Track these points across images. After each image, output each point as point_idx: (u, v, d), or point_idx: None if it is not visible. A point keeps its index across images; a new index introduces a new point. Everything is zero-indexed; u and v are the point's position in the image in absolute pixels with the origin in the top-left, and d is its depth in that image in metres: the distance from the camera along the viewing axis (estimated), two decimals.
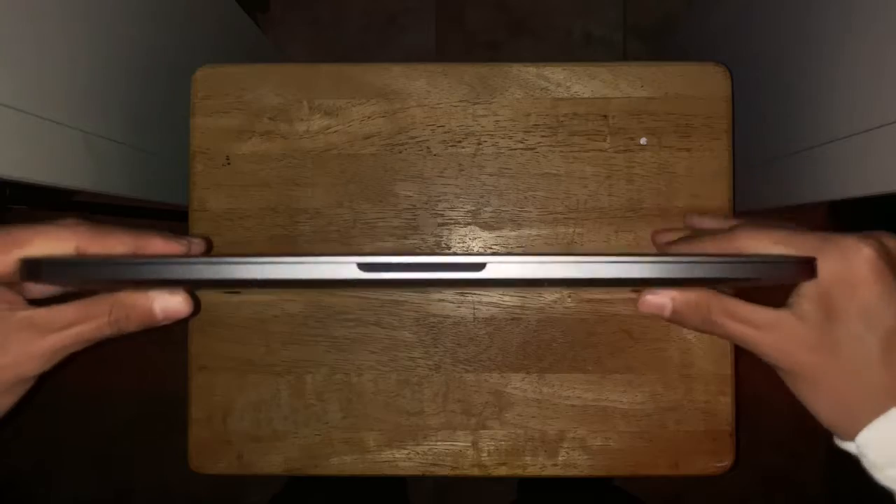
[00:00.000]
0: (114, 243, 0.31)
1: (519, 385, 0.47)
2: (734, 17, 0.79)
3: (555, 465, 0.47)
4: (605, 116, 0.47)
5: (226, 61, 0.49)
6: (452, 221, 0.48)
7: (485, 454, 0.47)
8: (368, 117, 0.48)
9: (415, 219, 0.48)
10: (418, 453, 0.47)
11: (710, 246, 0.31)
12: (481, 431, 0.47)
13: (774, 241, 0.29)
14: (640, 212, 0.47)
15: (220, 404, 0.48)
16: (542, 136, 0.48)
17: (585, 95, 0.48)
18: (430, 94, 0.48)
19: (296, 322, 0.48)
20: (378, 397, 0.47)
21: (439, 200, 0.48)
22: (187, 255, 0.30)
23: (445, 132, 0.48)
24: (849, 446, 0.29)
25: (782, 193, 0.63)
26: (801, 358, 0.28)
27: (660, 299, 0.30)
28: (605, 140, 0.47)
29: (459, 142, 0.48)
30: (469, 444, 0.47)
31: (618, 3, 1.25)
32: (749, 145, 0.67)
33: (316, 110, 0.48)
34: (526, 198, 0.48)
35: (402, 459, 0.47)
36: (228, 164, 0.48)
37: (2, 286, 0.29)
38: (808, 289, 0.28)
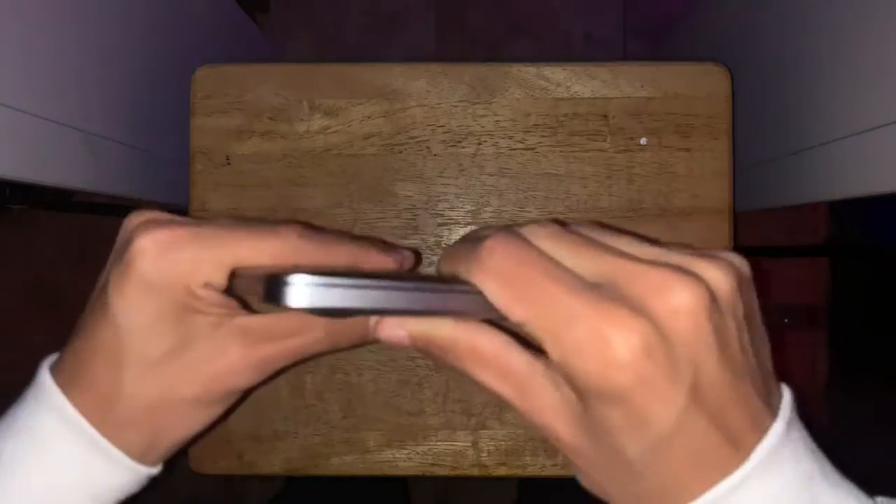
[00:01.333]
0: (335, 256, 0.28)
1: None
2: (734, 17, 0.79)
3: (555, 465, 0.47)
4: (605, 116, 0.47)
5: (226, 61, 0.49)
6: (452, 221, 0.48)
7: (485, 454, 0.47)
8: (368, 117, 0.48)
9: (415, 219, 0.48)
10: (418, 453, 0.47)
11: (457, 260, 0.23)
12: (481, 431, 0.47)
13: (493, 275, 0.21)
14: (640, 212, 0.47)
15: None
16: (542, 136, 0.48)
17: (585, 95, 0.48)
18: (430, 94, 0.48)
19: None
20: (378, 397, 0.47)
21: (439, 200, 0.48)
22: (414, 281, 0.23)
23: (445, 132, 0.48)
24: None
25: (782, 193, 0.63)
26: (560, 437, 0.22)
27: (393, 330, 0.24)
28: (605, 140, 0.47)
29: (459, 142, 0.48)
30: (469, 444, 0.47)
31: (618, 3, 1.25)
32: (749, 145, 0.67)
33: (316, 110, 0.48)
34: (526, 198, 0.48)
35: (402, 459, 0.47)
36: (228, 164, 0.48)
37: (215, 295, 0.27)
38: (555, 363, 0.21)
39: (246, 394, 0.30)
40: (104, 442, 0.27)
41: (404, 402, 0.47)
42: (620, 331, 0.19)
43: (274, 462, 0.47)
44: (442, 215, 0.48)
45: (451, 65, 0.48)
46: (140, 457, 0.28)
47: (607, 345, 0.19)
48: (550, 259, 0.21)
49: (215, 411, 0.29)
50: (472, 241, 0.22)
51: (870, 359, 1.11)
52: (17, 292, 1.18)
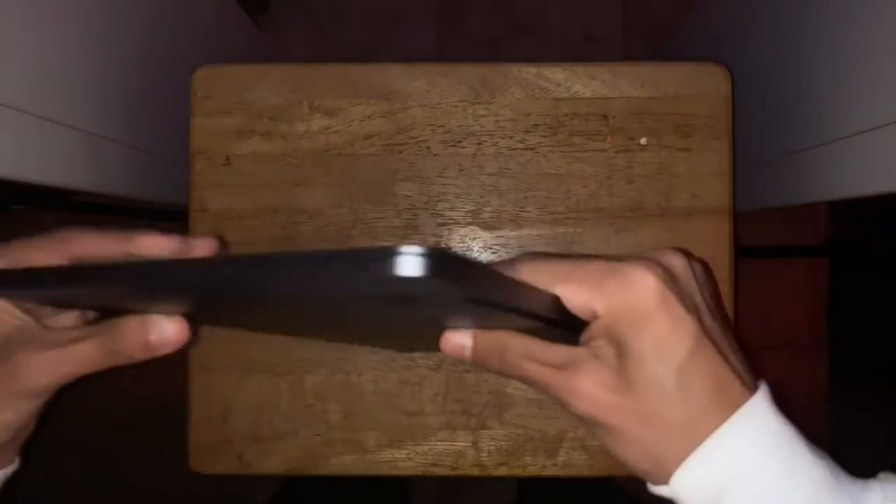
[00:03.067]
0: (104, 245, 0.30)
1: (519, 385, 0.47)
2: (734, 18, 0.79)
3: (555, 465, 0.47)
4: (605, 116, 0.47)
5: (226, 61, 0.49)
6: (452, 221, 0.48)
7: (485, 454, 0.47)
8: (368, 117, 0.48)
9: (415, 219, 0.48)
10: (418, 453, 0.47)
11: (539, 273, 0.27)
12: (481, 431, 0.47)
13: (554, 277, 0.26)
14: (640, 212, 0.47)
15: (220, 404, 0.48)
16: (543, 136, 0.48)
17: (585, 95, 0.48)
18: (430, 94, 0.48)
19: None
20: (378, 397, 0.47)
21: (439, 200, 0.48)
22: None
23: (445, 132, 0.48)
24: (663, 490, 0.27)
25: (782, 193, 0.63)
26: (600, 399, 0.26)
27: (459, 339, 0.28)
28: (605, 140, 0.47)
29: (459, 142, 0.48)
30: (469, 444, 0.47)
31: (618, 4, 1.25)
32: (749, 145, 0.67)
33: (316, 110, 0.48)
34: (526, 198, 0.48)
35: (402, 459, 0.47)
36: (228, 164, 0.48)
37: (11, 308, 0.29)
38: (595, 326, 0.26)
39: (45, 408, 0.32)
40: None
41: (404, 402, 0.47)
42: (645, 270, 0.25)
43: (274, 462, 0.47)
44: (442, 215, 0.48)
45: (451, 65, 0.48)
46: None
47: (637, 280, 0.25)
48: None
49: (37, 402, 0.31)
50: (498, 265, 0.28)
51: (870, 359, 1.11)
52: None
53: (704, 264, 0.29)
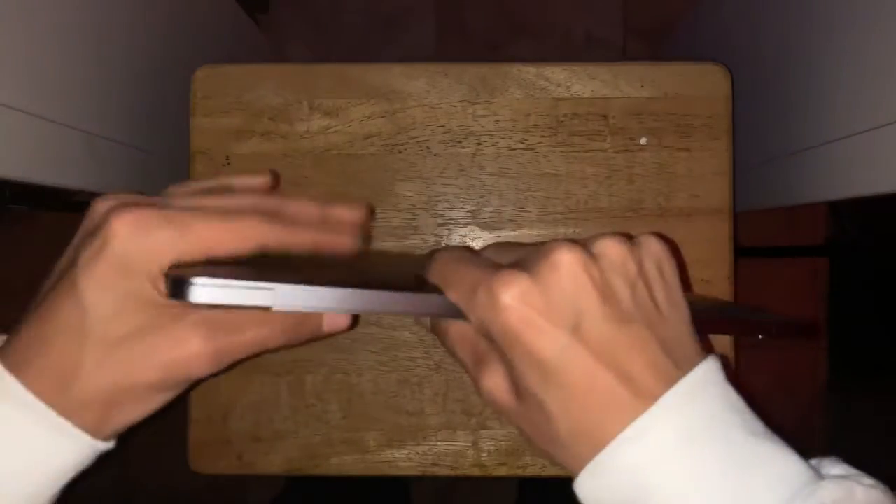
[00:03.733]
0: (298, 241, 0.31)
1: None
2: (734, 17, 0.79)
3: (555, 464, 0.47)
4: (605, 116, 0.47)
5: (226, 61, 0.49)
6: (452, 221, 0.48)
7: (485, 454, 0.47)
8: (368, 117, 0.48)
9: (415, 219, 0.48)
10: (418, 453, 0.47)
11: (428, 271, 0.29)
12: (481, 431, 0.47)
13: (441, 279, 0.27)
14: (640, 212, 0.47)
15: (220, 404, 0.48)
16: (543, 136, 0.48)
17: (585, 95, 0.48)
18: (430, 94, 0.48)
19: None
20: (378, 397, 0.47)
21: (439, 200, 0.48)
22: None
23: (445, 132, 0.48)
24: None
25: (782, 193, 0.63)
26: (500, 402, 0.26)
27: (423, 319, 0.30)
28: (605, 140, 0.47)
29: (459, 142, 0.48)
30: (469, 444, 0.47)
31: (618, 3, 1.25)
32: (749, 145, 0.67)
33: (316, 110, 0.48)
34: (526, 198, 0.48)
35: (402, 459, 0.47)
36: (228, 164, 0.48)
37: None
38: (478, 328, 0.26)
39: (201, 380, 0.31)
40: (61, 420, 0.27)
41: (404, 402, 0.47)
42: (506, 284, 0.24)
43: (274, 462, 0.47)
44: (442, 215, 0.48)
45: (451, 65, 0.48)
46: (94, 433, 0.28)
47: (495, 297, 0.24)
48: (477, 256, 0.28)
49: (169, 396, 0.30)
50: (435, 253, 0.29)
51: (870, 359, 1.11)
52: (18, 292, 1.18)
53: (648, 245, 0.28)
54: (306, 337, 0.31)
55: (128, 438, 0.31)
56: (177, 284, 0.24)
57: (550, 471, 0.47)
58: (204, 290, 0.24)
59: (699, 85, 0.47)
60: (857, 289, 1.16)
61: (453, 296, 0.26)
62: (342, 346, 0.47)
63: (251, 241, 0.29)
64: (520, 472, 0.47)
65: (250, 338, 0.29)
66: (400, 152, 0.48)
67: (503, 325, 0.24)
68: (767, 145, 0.66)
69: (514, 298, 0.24)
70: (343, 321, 0.31)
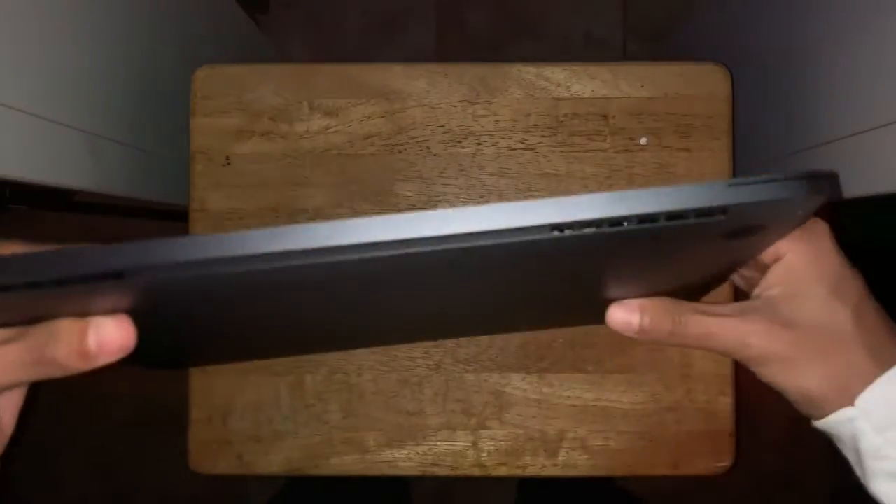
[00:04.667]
0: None
1: (519, 385, 0.47)
2: (734, 17, 0.79)
3: (555, 465, 0.47)
4: (605, 116, 0.47)
5: (226, 61, 0.49)
6: None
7: (485, 454, 0.47)
8: (368, 117, 0.48)
9: None
10: (418, 453, 0.47)
11: None
12: (481, 431, 0.47)
13: None
14: None
15: (220, 404, 0.48)
16: (543, 137, 0.48)
17: (585, 95, 0.48)
18: (430, 94, 0.48)
19: None
20: (378, 397, 0.47)
21: (439, 200, 0.48)
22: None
23: (445, 132, 0.48)
24: (840, 416, 0.27)
25: None
26: (779, 335, 0.27)
27: (626, 311, 0.27)
28: (605, 140, 0.47)
29: (459, 142, 0.48)
30: (469, 444, 0.47)
31: (618, 3, 1.25)
32: (749, 145, 0.67)
33: (316, 110, 0.48)
34: (526, 198, 0.48)
35: (402, 459, 0.47)
36: (228, 164, 0.48)
37: None
38: (775, 268, 0.28)
39: None
40: None
41: (404, 402, 0.47)
42: (818, 219, 0.28)
43: (274, 462, 0.47)
44: None
45: (451, 65, 0.48)
46: None
47: (814, 223, 0.28)
48: None
49: None
50: None
51: None
52: None
53: None
54: (60, 364, 0.20)
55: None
56: None
57: (550, 471, 0.47)
58: None
59: (699, 85, 0.47)
60: None
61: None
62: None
63: None
64: (520, 472, 0.47)
65: None
66: (400, 152, 0.48)
67: (824, 245, 0.28)
68: (767, 145, 0.66)
69: (827, 223, 0.28)
70: (119, 338, 0.20)
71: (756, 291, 0.28)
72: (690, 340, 0.28)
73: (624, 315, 0.27)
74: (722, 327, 0.28)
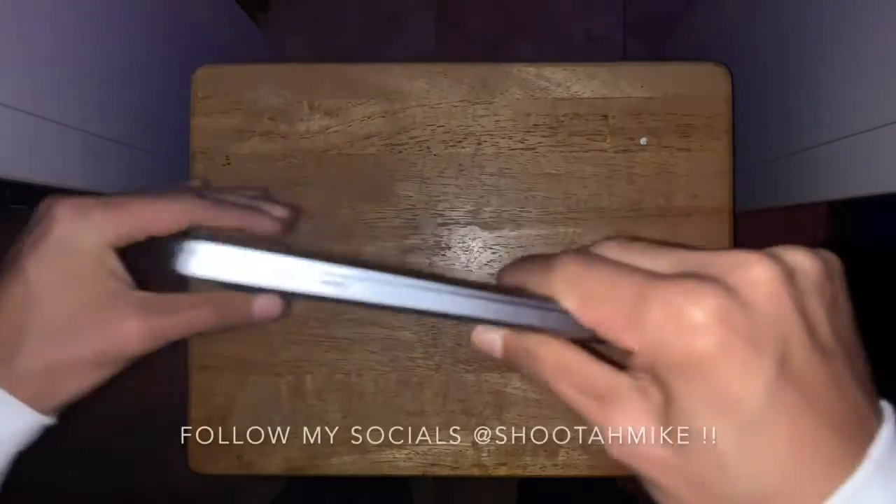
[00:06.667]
0: (225, 219, 0.34)
1: (519, 385, 0.47)
2: (734, 17, 0.79)
3: (555, 465, 0.47)
4: (605, 116, 0.47)
5: (226, 61, 0.49)
6: (452, 221, 0.48)
7: (485, 454, 0.47)
8: (368, 117, 0.48)
9: (415, 219, 0.48)
10: (418, 453, 0.47)
11: (529, 275, 0.23)
12: (481, 431, 0.47)
13: (579, 293, 0.21)
14: (640, 212, 0.47)
15: (220, 404, 0.48)
16: (543, 137, 0.48)
17: (585, 95, 0.48)
18: (430, 93, 0.48)
19: (296, 322, 0.48)
20: (378, 397, 0.47)
21: (439, 200, 0.48)
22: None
23: (445, 132, 0.48)
24: None
25: (782, 193, 0.63)
26: (643, 451, 0.20)
27: (489, 336, 0.25)
28: (605, 140, 0.47)
29: (459, 142, 0.48)
30: (469, 444, 0.47)
31: (618, 3, 1.25)
32: (749, 145, 0.67)
33: (316, 110, 0.48)
34: (526, 198, 0.48)
35: (402, 459, 0.47)
36: (228, 164, 0.48)
37: (119, 264, 0.31)
38: (634, 359, 0.20)
39: (135, 364, 0.33)
40: (3, 393, 0.29)
41: (404, 402, 0.47)
42: (695, 297, 0.18)
43: (274, 462, 0.47)
44: (442, 215, 0.48)
45: (451, 65, 0.48)
46: (36, 406, 0.30)
47: (682, 313, 0.18)
48: (619, 261, 0.22)
49: (107, 372, 0.32)
50: (541, 260, 0.23)
51: (869, 358, 1.10)
52: None
53: (826, 260, 0.21)
54: (236, 322, 0.33)
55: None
56: (174, 251, 0.21)
57: (550, 471, 0.47)
58: (208, 259, 0.20)
59: (699, 85, 0.47)
60: (856, 289, 1.16)
61: (598, 312, 0.20)
62: (342, 346, 0.47)
63: (183, 216, 0.31)
64: (520, 472, 0.47)
65: (183, 319, 0.31)
66: (400, 152, 0.48)
67: (690, 349, 0.18)
68: (767, 145, 0.66)
69: (710, 316, 0.18)
70: (274, 309, 0.34)
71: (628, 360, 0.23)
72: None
73: (485, 336, 0.26)
74: (576, 405, 0.23)
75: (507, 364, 0.25)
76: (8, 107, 0.41)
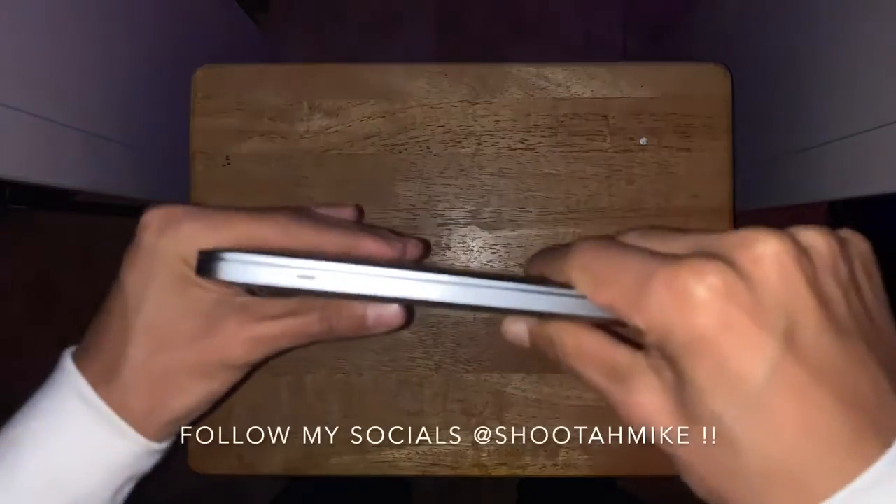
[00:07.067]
0: (323, 242, 0.31)
1: (519, 385, 0.47)
2: (734, 17, 0.79)
3: (555, 465, 0.47)
4: (605, 116, 0.47)
5: (226, 61, 0.49)
6: (452, 221, 0.48)
7: (485, 454, 0.47)
8: (368, 117, 0.48)
9: (415, 219, 0.48)
10: (418, 453, 0.47)
11: (548, 264, 0.24)
12: (481, 431, 0.47)
13: (582, 272, 0.22)
14: (640, 212, 0.47)
15: (219, 404, 0.48)
16: (543, 137, 0.48)
17: (585, 95, 0.48)
18: (430, 94, 0.48)
19: None
20: (378, 397, 0.47)
21: (439, 200, 0.48)
22: (399, 263, 0.27)
23: (445, 132, 0.48)
24: None
25: (782, 193, 0.63)
26: (658, 425, 0.21)
27: (517, 327, 0.25)
28: (605, 140, 0.47)
29: (459, 142, 0.48)
30: (469, 444, 0.47)
31: (618, 3, 1.25)
32: (749, 145, 0.67)
33: (316, 110, 0.48)
34: (526, 198, 0.48)
35: (402, 459, 0.47)
36: (228, 164, 0.48)
37: None
38: (647, 334, 0.20)
39: (246, 376, 0.32)
40: (107, 410, 0.28)
41: (404, 402, 0.47)
42: (697, 275, 0.18)
43: (274, 462, 0.47)
44: (442, 215, 0.48)
45: (451, 65, 0.48)
46: (142, 426, 0.30)
47: (685, 290, 0.18)
48: (632, 245, 0.23)
49: (215, 385, 0.31)
50: (560, 249, 0.24)
51: None
52: (18, 293, 1.18)
53: (846, 241, 0.21)
54: (348, 331, 0.30)
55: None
56: (205, 260, 0.23)
57: (550, 471, 0.47)
58: (232, 266, 0.22)
59: (699, 85, 0.47)
60: None
61: (608, 293, 0.21)
62: (342, 345, 0.47)
63: (278, 237, 0.30)
64: (520, 472, 0.47)
65: (286, 325, 0.30)
66: (400, 152, 0.48)
67: (692, 326, 0.18)
68: (767, 145, 0.66)
69: (713, 292, 0.18)
70: (393, 317, 0.30)
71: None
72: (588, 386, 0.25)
73: (514, 328, 0.26)
74: (596, 386, 0.23)
75: (537, 354, 0.25)
76: (8, 107, 0.41)
